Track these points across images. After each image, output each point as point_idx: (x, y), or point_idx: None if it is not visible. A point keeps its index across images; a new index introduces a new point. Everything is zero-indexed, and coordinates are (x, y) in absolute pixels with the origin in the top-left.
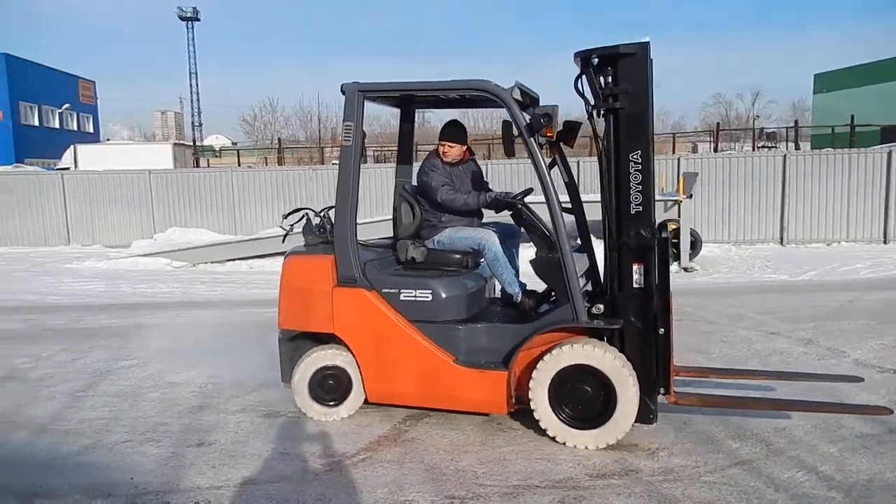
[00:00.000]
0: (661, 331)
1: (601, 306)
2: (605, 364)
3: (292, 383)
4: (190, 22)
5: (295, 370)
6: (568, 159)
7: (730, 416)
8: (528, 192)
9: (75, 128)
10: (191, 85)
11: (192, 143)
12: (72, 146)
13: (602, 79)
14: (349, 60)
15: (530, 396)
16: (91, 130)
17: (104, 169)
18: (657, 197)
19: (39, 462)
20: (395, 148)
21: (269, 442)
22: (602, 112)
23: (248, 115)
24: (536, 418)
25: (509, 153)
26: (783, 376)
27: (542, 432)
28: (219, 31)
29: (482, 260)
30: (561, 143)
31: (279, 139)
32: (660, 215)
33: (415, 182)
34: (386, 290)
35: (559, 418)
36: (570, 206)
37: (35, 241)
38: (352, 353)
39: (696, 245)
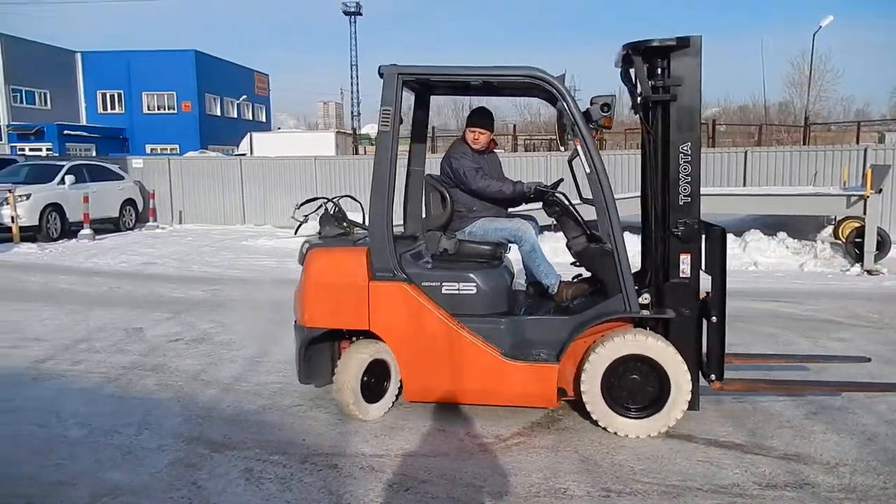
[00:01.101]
0: (714, 319)
1: (647, 296)
2: (660, 353)
3: (338, 380)
4: (353, 16)
5: (341, 367)
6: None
7: None
8: (560, 182)
9: (250, 117)
10: (351, 76)
11: (352, 132)
12: (248, 134)
13: (653, 71)
14: (506, 48)
15: (583, 388)
16: (263, 119)
17: (275, 155)
18: (839, 191)
19: (225, 417)
20: (544, 137)
21: (426, 418)
22: (650, 104)
23: (403, 106)
24: (589, 409)
25: (563, 143)
26: (791, 359)
27: (701, 434)
28: (379, 25)
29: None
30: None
31: (432, 128)
32: (842, 211)
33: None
34: (426, 284)
35: (611, 408)
36: (590, 197)
37: (215, 220)
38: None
39: (883, 245)
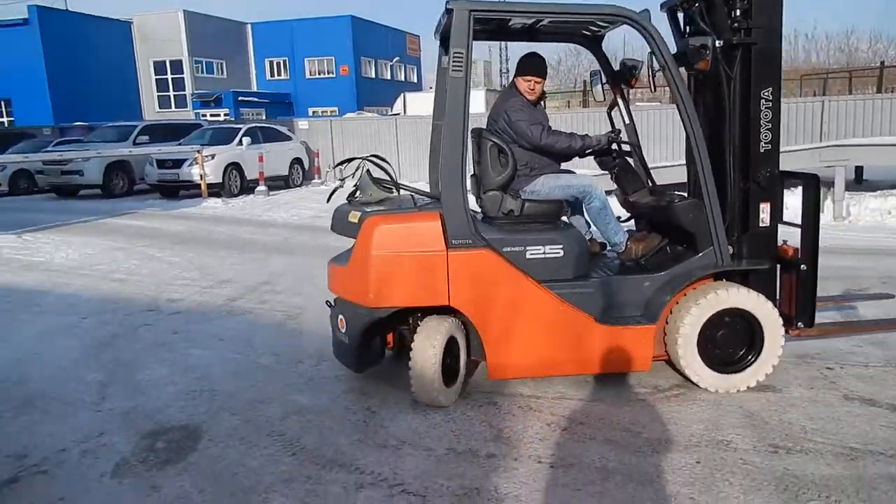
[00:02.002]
0: (804, 267)
1: (730, 248)
2: (756, 306)
3: (420, 363)
4: None
5: (420, 348)
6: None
7: None
8: (619, 133)
9: (402, 78)
10: None
11: (500, 89)
12: (402, 94)
13: (732, 12)
14: None
15: (679, 346)
16: (414, 80)
17: (428, 114)
18: None
19: None
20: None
21: None
22: (730, 48)
23: (553, 60)
24: (682, 366)
25: (654, 89)
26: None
27: (886, 399)
28: None
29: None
30: (622, 85)
31: (584, 81)
32: None
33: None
34: (508, 250)
35: (707, 364)
36: (629, 148)
37: None
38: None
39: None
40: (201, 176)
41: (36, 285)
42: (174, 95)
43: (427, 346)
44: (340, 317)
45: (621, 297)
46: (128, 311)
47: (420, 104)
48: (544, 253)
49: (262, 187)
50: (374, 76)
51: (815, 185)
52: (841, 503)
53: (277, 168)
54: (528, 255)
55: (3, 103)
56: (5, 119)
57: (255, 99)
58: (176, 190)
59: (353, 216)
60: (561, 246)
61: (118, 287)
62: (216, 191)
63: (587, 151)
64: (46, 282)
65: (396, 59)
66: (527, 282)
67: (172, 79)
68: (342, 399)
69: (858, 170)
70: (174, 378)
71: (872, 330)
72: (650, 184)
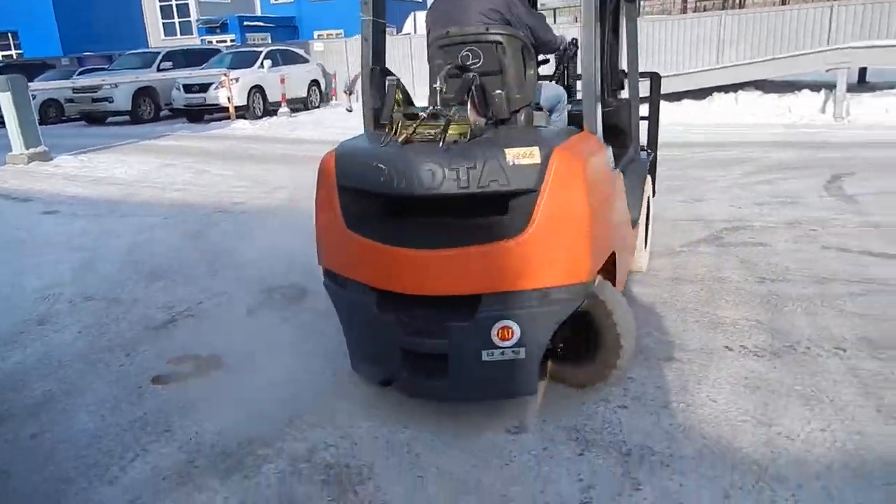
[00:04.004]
0: (649, 151)
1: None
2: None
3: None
4: None
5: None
6: None
7: None
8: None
9: None
10: None
11: None
12: (412, 13)
13: None
14: None
15: None
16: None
17: None
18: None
19: None
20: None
21: None
22: None
23: None
24: None
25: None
26: None
27: (856, 247)
28: None
29: None
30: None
31: None
32: None
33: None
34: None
35: None
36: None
37: None
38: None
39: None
40: (228, 98)
41: (109, 196)
42: (179, 22)
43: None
44: (501, 326)
45: None
46: (201, 212)
47: None
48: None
49: (284, 109)
50: None
51: (657, 80)
52: (810, 309)
53: (296, 90)
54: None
55: (10, 36)
56: (13, 52)
57: (261, 24)
58: (202, 114)
59: (526, 154)
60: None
61: (183, 195)
62: (241, 113)
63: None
64: (116, 193)
65: None
66: None
67: (177, 5)
68: None
69: (862, 72)
70: (263, 255)
71: None
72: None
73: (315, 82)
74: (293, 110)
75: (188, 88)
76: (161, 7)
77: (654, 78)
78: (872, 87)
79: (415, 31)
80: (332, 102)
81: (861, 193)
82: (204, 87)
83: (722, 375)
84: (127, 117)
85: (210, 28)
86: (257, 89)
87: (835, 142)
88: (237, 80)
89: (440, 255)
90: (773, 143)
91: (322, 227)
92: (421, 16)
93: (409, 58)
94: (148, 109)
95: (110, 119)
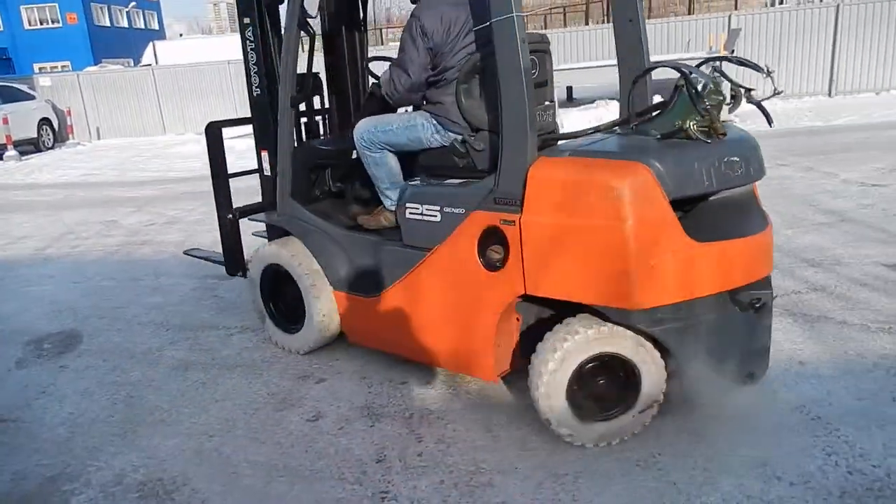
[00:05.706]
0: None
1: None
2: None
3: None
4: None
5: None
6: None
7: None
8: None
9: (142, 25)
10: None
11: None
12: (151, 43)
13: None
14: None
15: None
16: (156, 27)
17: (185, 63)
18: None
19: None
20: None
21: None
22: None
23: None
24: None
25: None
26: None
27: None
28: None
29: None
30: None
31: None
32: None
33: None
34: None
35: None
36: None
37: (135, 133)
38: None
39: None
40: None
41: None
42: None
43: None
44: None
45: None
46: None
47: (173, 53)
48: None
49: (11, 152)
50: (109, 24)
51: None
52: None
53: (24, 130)
54: None
55: None
56: None
57: None
58: None
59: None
60: None
61: None
62: None
63: None
64: None
65: (132, 3)
66: None
67: None
68: (191, 294)
69: (570, 90)
70: (26, 306)
71: None
72: None
73: (46, 121)
74: (22, 153)
75: None
76: None
77: None
78: (579, 103)
79: (156, 62)
80: (70, 141)
81: None
82: None
83: None
84: None
85: None
86: None
87: None
88: None
89: (760, 240)
90: None
91: (654, 252)
92: (161, 45)
93: (155, 89)
94: None
95: None
